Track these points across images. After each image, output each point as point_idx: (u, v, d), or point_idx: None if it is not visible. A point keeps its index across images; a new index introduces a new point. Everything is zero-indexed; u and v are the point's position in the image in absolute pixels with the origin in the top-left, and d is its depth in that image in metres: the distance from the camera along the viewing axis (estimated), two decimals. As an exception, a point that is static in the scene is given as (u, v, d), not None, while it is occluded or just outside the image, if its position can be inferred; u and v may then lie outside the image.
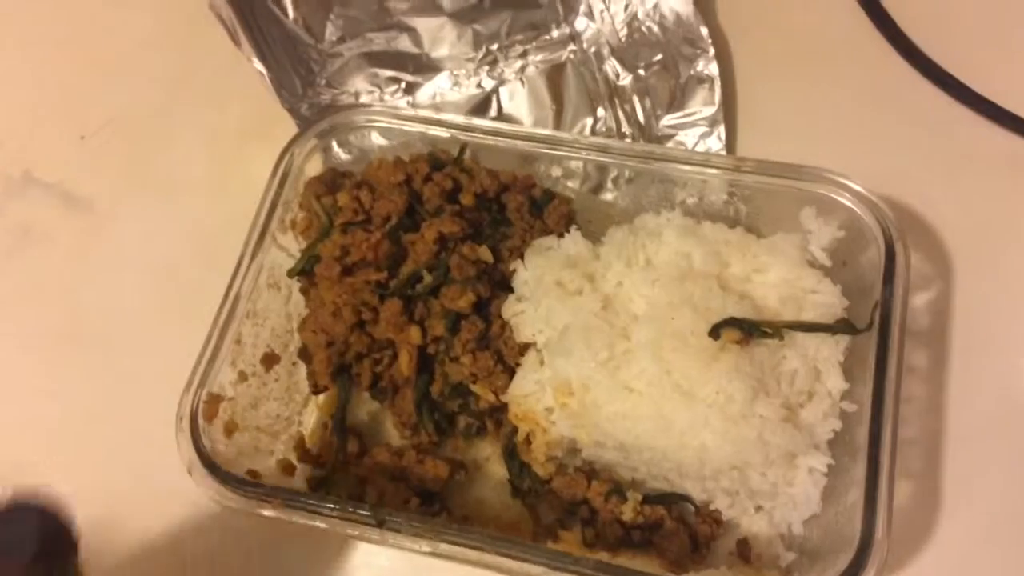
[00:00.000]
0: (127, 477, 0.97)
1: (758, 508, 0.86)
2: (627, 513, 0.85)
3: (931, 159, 1.08)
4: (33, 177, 1.21)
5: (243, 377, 0.89)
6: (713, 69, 1.09)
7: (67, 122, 1.24)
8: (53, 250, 1.15)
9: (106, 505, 0.96)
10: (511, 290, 0.92)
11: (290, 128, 1.10)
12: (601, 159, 0.95)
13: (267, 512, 0.79)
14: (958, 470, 0.92)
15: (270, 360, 0.93)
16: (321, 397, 0.97)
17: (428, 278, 0.89)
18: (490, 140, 0.95)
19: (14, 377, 1.07)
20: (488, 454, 0.95)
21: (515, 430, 0.89)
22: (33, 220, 1.18)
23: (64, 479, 0.97)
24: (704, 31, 1.10)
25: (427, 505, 0.89)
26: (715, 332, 0.81)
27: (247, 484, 0.80)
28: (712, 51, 1.09)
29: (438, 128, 0.96)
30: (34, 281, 1.13)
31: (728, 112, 1.10)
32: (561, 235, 0.93)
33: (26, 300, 1.12)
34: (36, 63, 1.30)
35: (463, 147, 0.96)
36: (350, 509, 0.78)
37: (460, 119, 0.97)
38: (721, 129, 1.08)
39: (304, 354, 0.95)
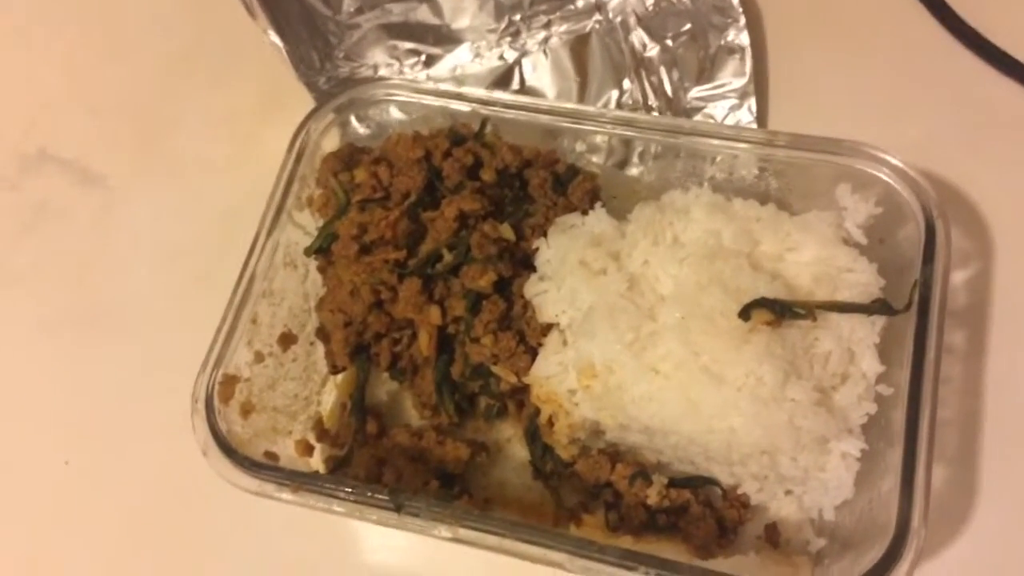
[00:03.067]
0: (143, 457, 0.96)
1: (788, 492, 0.83)
2: (652, 497, 0.83)
3: (972, 132, 1.04)
4: (48, 154, 1.20)
5: (260, 357, 0.87)
6: (744, 39, 1.06)
7: (82, 99, 1.23)
8: (69, 226, 1.15)
9: (122, 484, 0.97)
10: (534, 269, 0.89)
11: (308, 103, 1.08)
12: (627, 133, 0.92)
13: (284, 496, 0.77)
14: (995, 454, 0.89)
15: (287, 340, 0.91)
16: (340, 377, 0.95)
17: (448, 257, 0.87)
18: (512, 114, 0.92)
19: (29, 352, 1.06)
20: (510, 435, 0.93)
21: (537, 412, 0.87)
22: (49, 196, 1.17)
23: (77, 457, 0.99)
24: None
25: (447, 487, 0.87)
26: (745, 313, 0.78)
27: (263, 467, 0.79)
28: (743, 20, 1.06)
29: (458, 102, 0.93)
30: (50, 257, 1.13)
31: (759, 83, 1.06)
32: (585, 212, 0.90)
33: (42, 275, 1.11)
34: (51, 40, 1.29)
35: (484, 121, 0.93)
36: (368, 494, 0.76)
37: (481, 92, 0.94)
38: (752, 101, 1.05)
39: (322, 334, 0.93)
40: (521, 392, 0.89)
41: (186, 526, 0.94)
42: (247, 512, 0.88)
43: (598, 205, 0.90)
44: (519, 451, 0.92)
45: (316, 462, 0.91)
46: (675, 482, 0.84)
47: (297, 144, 0.92)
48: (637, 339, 0.80)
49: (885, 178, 0.83)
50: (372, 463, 0.88)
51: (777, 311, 0.78)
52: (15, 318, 1.09)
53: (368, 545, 0.92)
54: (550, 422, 0.87)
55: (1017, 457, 0.89)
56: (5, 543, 0.96)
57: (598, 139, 0.98)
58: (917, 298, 0.77)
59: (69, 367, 1.05)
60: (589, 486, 0.87)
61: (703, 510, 0.83)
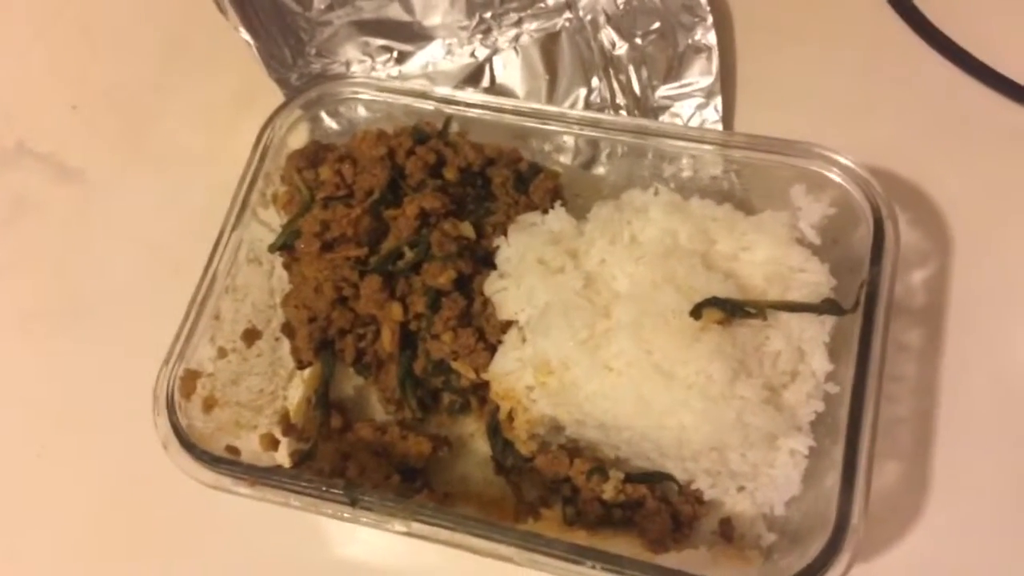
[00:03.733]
0: (114, 447, 0.98)
1: (740, 488, 0.85)
2: (608, 491, 0.84)
3: (936, 132, 1.05)
4: (26, 147, 1.21)
5: (223, 353, 0.89)
6: (711, 38, 1.06)
7: (60, 93, 1.24)
8: (45, 220, 1.16)
9: (93, 474, 0.98)
10: (495, 267, 0.90)
11: (280, 99, 1.09)
12: (591, 133, 0.93)
13: (241, 490, 0.79)
14: (948, 452, 0.90)
15: (251, 335, 0.92)
16: (307, 372, 0.96)
17: (409, 254, 0.88)
18: (476, 113, 0.93)
19: (4, 345, 1.08)
20: (472, 430, 0.94)
21: (498, 408, 0.88)
22: (26, 190, 1.18)
23: (50, 448, 1.00)
24: (703, -1, 1.07)
25: (409, 481, 0.88)
26: (697, 312, 0.79)
27: (221, 462, 0.80)
28: (711, 19, 1.07)
29: (423, 101, 0.94)
30: (27, 251, 1.14)
31: (727, 83, 1.07)
32: (546, 211, 0.91)
33: (18, 270, 1.13)
34: (29, 34, 1.30)
35: (447, 120, 0.94)
36: (323, 488, 0.78)
37: (445, 91, 0.95)
38: (718, 100, 1.06)
39: (287, 329, 0.94)
40: (483, 388, 0.90)
41: (155, 516, 0.96)
42: (216, 504, 0.89)
43: (558, 204, 0.91)
44: (481, 446, 0.93)
45: (281, 456, 0.92)
46: (632, 477, 0.85)
47: (263, 141, 0.93)
48: (591, 336, 0.82)
49: (838, 179, 0.85)
50: (336, 457, 0.89)
51: (728, 310, 0.79)
52: (-9, 311, 1.10)
53: (335, 539, 0.93)
54: (510, 417, 0.88)
55: (969, 454, 0.90)
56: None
57: (565, 139, 0.98)
58: (864, 298, 0.78)
59: (44, 359, 1.06)
60: (548, 481, 0.88)
61: (659, 505, 0.85)
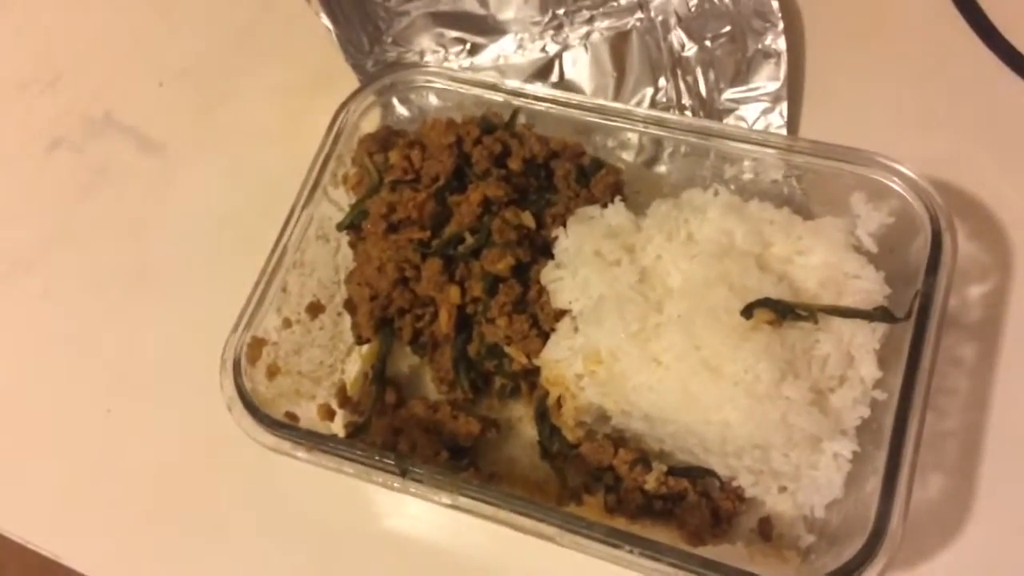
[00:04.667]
0: (180, 409, 1.02)
1: (782, 488, 0.85)
2: (650, 483, 0.86)
3: (1000, 147, 1.04)
4: (113, 119, 1.27)
5: (288, 323, 0.93)
6: (781, 44, 1.07)
7: (147, 68, 1.29)
8: (126, 189, 1.21)
9: (159, 435, 1.03)
10: (552, 256, 0.93)
11: (354, 84, 1.13)
12: (655, 132, 0.95)
13: (298, 454, 0.82)
14: (995, 469, 0.89)
15: (315, 309, 0.96)
16: (364, 348, 0.99)
17: (470, 240, 0.91)
18: (542, 107, 0.95)
19: (80, 306, 1.13)
20: (521, 415, 0.97)
21: (546, 394, 0.91)
22: (109, 160, 1.23)
23: (119, 407, 1.05)
24: (775, 4, 1.07)
25: (457, 459, 0.91)
26: (748, 311, 0.80)
27: (281, 426, 0.84)
28: (781, 25, 1.07)
29: (492, 92, 0.97)
30: (107, 218, 1.19)
31: (794, 88, 1.08)
32: (605, 205, 0.93)
33: (98, 236, 1.18)
34: (120, 9, 1.36)
35: (515, 112, 0.97)
36: (376, 457, 0.81)
37: (514, 84, 0.98)
38: (784, 106, 1.06)
39: (349, 305, 0.98)
40: (534, 374, 0.93)
41: (215, 479, 1.00)
42: (273, 471, 0.93)
43: (618, 199, 0.93)
44: (529, 431, 0.95)
45: (337, 427, 0.95)
46: (674, 471, 0.87)
47: (336, 124, 0.96)
48: (643, 330, 0.83)
49: (898, 189, 0.85)
50: (388, 431, 0.93)
51: (779, 311, 0.80)
52: (69, 273, 1.15)
53: (384, 511, 0.96)
54: (558, 404, 0.90)
55: (1016, 473, 0.89)
56: (44, 484, 1.03)
57: (629, 136, 1.00)
58: (917, 307, 0.79)
59: (117, 322, 1.11)
60: (592, 469, 0.90)
61: (699, 499, 0.86)
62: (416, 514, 0.96)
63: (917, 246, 0.85)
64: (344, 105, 0.97)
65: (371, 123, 1.00)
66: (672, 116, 0.97)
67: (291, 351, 0.93)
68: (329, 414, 0.96)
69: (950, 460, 0.90)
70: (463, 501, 0.79)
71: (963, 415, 0.92)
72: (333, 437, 0.88)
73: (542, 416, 0.92)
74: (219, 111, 1.24)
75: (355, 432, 0.94)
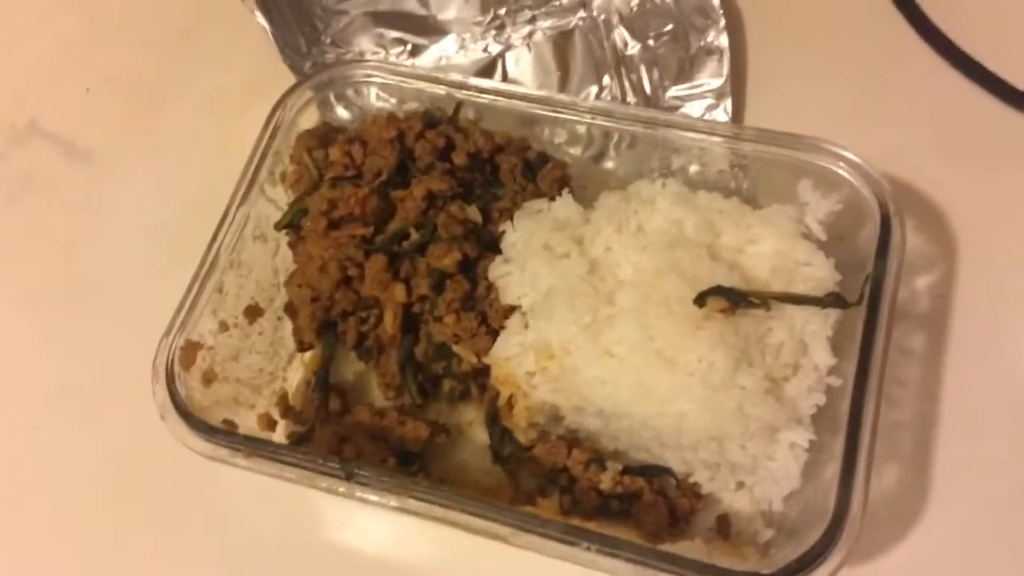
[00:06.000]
0: (112, 423, 0.98)
1: (740, 484, 0.84)
2: (606, 482, 0.84)
3: (944, 140, 1.05)
4: (38, 126, 1.22)
5: (224, 327, 0.89)
6: (723, 41, 1.07)
7: (74, 74, 1.25)
8: (53, 199, 1.16)
9: (90, 450, 0.98)
10: (500, 252, 0.90)
11: (292, 85, 1.10)
12: (601, 123, 0.93)
13: (237, 461, 0.78)
14: (949, 458, 0.89)
15: (253, 312, 0.92)
16: (308, 354, 0.96)
17: (415, 235, 0.88)
18: (486, 99, 0.94)
19: (6, 324, 1.08)
20: (471, 419, 0.94)
21: (497, 394, 0.88)
22: (35, 168, 1.18)
23: (47, 423, 1.00)
24: (716, 1, 1.07)
25: (405, 466, 0.88)
26: (700, 300, 0.79)
27: (217, 432, 0.80)
28: (723, 22, 1.07)
29: (435, 86, 0.95)
30: (32, 228, 1.14)
31: (737, 85, 1.08)
32: (553, 198, 0.91)
33: (23, 246, 1.13)
34: (46, 14, 1.31)
35: (458, 105, 0.95)
36: (319, 461, 0.77)
37: (457, 77, 0.96)
38: (728, 102, 1.06)
39: (290, 309, 0.94)
40: (484, 376, 0.90)
41: (154, 493, 0.95)
42: (213, 481, 0.90)
43: (566, 191, 0.91)
44: (480, 435, 0.92)
45: (279, 437, 0.91)
46: (630, 470, 0.85)
47: (273, 120, 0.93)
48: (594, 322, 0.81)
49: (846, 175, 0.85)
50: (333, 440, 0.89)
51: (732, 299, 0.79)
52: (-6, 287, 1.10)
53: (329, 521, 0.92)
54: (509, 405, 0.87)
55: (969, 460, 0.89)
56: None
57: (577, 130, 0.98)
58: (868, 292, 0.78)
59: (44, 335, 1.06)
60: (546, 471, 0.87)
61: (656, 498, 0.84)
62: (366, 525, 0.92)
63: (866, 233, 0.85)
64: (281, 101, 0.94)
65: (309, 120, 0.97)
66: (618, 106, 0.96)
67: (228, 356, 0.89)
68: (270, 424, 0.92)
69: (904, 451, 0.90)
70: (412, 504, 0.75)
71: (915, 405, 0.92)
72: (273, 442, 0.83)
73: (493, 418, 0.90)
74: (150, 118, 1.20)
75: (298, 442, 0.90)
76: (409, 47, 1.14)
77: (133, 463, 0.96)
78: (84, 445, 0.98)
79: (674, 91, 1.08)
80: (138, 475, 0.96)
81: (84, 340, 1.05)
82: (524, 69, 1.12)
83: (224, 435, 0.80)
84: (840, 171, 0.85)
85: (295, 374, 0.97)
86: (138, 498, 0.95)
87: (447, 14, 1.13)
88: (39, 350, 1.06)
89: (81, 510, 0.95)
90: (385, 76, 0.96)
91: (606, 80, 1.10)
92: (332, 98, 1.00)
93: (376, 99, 1.01)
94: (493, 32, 1.13)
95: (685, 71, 1.08)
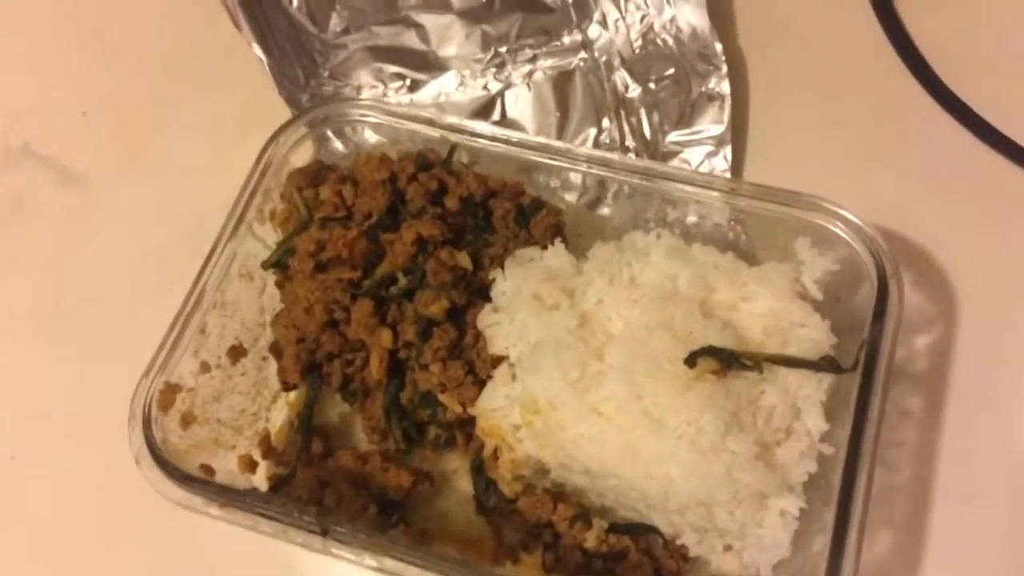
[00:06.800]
0: (91, 457, 0.95)
1: (727, 547, 0.82)
2: (591, 541, 0.82)
3: (946, 195, 1.04)
4: (32, 149, 1.20)
5: (206, 368, 0.87)
6: (725, 87, 1.06)
7: (70, 98, 1.24)
8: (44, 223, 1.15)
9: (68, 483, 0.96)
10: (489, 299, 0.88)
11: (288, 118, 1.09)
12: (598, 172, 0.92)
13: (211, 511, 0.76)
14: (945, 524, 0.87)
15: (237, 352, 0.90)
16: (292, 394, 0.94)
17: (403, 281, 0.87)
18: (481, 144, 0.92)
19: (-8, 346, 1.06)
20: (456, 467, 0.92)
21: (483, 445, 0.86)
22: (27, 192, 1.17)
23: (24, 452, 0.98)
24: (719, 47, 1.06)
25: (386, 515, 0.86)
26: (691, 360, 0.77)
27: (193, 480, 0.78)
28: (725, 69, 1.06)
29: (429, 128, 0.93)
30: (21, 252, 1.13)
31: (737, 132, 1.06)
32: (545, 247, 0.89)
33: (10, 270, 1.11)
34: (43, 38, 1.30)
35: (452, 148, 0.93)
36: (295, 515, 0.75)
37: (452, 120, 0.94)
38: (728, 149, 1.05)
39: (275, 349, 0.93)
40: (470, 423, 0.88)
41: (126, 532, 0.93)
42: (188, 525, 0.87)
43: (558, 241, 0.89)
44: (464, 484, 0.91)
45: (259, 479, 0.89)
46: (616, 527, 0.83)
47: (265, 157, 0.92)
48: (582, 378, 0.79)
49: (843, 235, 0.83)
50: (315, 484, 0.87)
51: (724, 360, 0.77)
52: (-20, 311, 1.09)
53: (307, 573, 0.90)
54: (495, 456, 0.85)
55: (966, 526, 0.87)
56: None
57: (573, 177, 0.97)
58: (863, 358, 0.76)
59: (26, 361, 1.05)
60: (530, 525, 0.85)
61: (641, 558, 0.82)
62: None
63: (863, 294, 0.83)
64: (274, 137, 0.93)
65: (302, 157, 0.96)
66: (615, 156, 0.94)
67: (209, 398, 0.87)
68: (251, 466, 0.90)
69: (899, 515, 0.88)
70: (389, 563, 0.74)
71: (912, 468, 0.90)
72: (251, 491, 0.82)
73: (478, 469, 0.88)
74: (145, 143, 1.19)
75: (278, 485, 0.88)
76: (408, 82, 1.12)
77: (109, 499, 0.94)
78: (60, 478, 0.97)
79: (674, 136, 1.06)
80: (113, 512, 0.94)
81: (67, 368, 1.03)
82: (523, 108, 1.11)
83: (199, 484, 0.78)
84: (838, 230, 0.84)
85: (278, 415, 0.95)
86: (112, 536, 0.93)
87: (447, 50, 1.12)
88: (20, 376, 1.04)
89: (53, 545, 0.94)
90: (380, 116, 0.94)
91: (605, 123, 1.08)
92: (328, 132, 0.99)
93: (371, 135, 0.99)
94: (493, 70, 1.12)
95: (685, 116, 1.06)
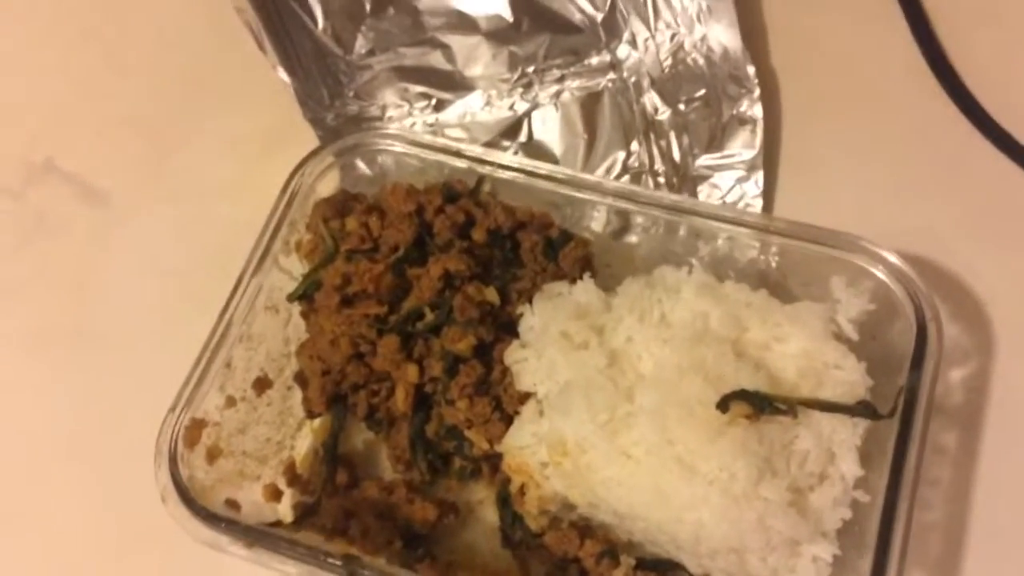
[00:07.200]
0: (110, 485, 0.95)
1: (757, 588, 0.81)
2: (618, 578, 0.81)
3: (983, 223, 1.01)
4: (54, 165, 1.20)
5: (231, 402, 0.86)
6: (757, 111, 1.03)
7: (92, 113, 1.23)
8: (66, 241, 1.14)
9: (90, 506, 0.96)
10: (517, 334, 0.87)
11: (314, 139, 1.08)
12: (625, 206, 0.90)
13: (237, 551, 0.76)
14: (979, 565, 0.86)
15: (262, 384, 0.90)
16: (317, 421, 0.93)
17: (430, 316, 0.86)
18: (509, 175, 0.91)
19: (8, 370, 1.06)
20: (482, 497, 0.91)
21: (509, 479, 0.85)
22: (49, 208, 1.16)
23: (43, 476, 0.98)
24: (751, 70, 1.04)
25: (411, 548, 0.85)
26: (724, 404, 0.75)
27: (219, 520, 0.77)
28: (758, 92, 1.04)
29: (456, 159, 0.92)
30: (44, 271, 1.12)
31: (769, 157, 1.04)
32: (574, 281, 0.88)
33: (32, 289, 1.11)
34: (65, 52, 1.29)
35: (480, 180, 0.92)
36: (322, 557, 0.75)
37: (479, 150, 0.93)
38: (760, 175, 1.03)
39: (300, 379, 0.92)
40: (496, 457, 0.87)
41: (147, 559, 0.93)
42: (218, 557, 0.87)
43: (587, 276, 0.88)
44: (490, 515, 0.90)
45: (284, 508, 0.89)
46: (644, 563, 0.82)
47: (291, 187, 0.91)
48: (612, 420, 0.78)
49: (880, 275, 0.81)
50: (340, 514, 0.86)
51: (757, 404, 0.76)
52: (2, 330, 1.08)
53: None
54: (521, 492, 0.85)
55: (1000, 567, 0.86)
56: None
57: (600, 209, 0.96)
58: (902, 404, 0.75)
59: (47, 383, 1.04)
60: (557, 559, 0.84)
61: (669, 598, 0.81)
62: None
63: (899, 332, 0.82)
64: (299, 167, 0.92)
65: (328, 185, 0.95)
66: (644, 191, 0.93)
67: (235, 431, 0.87)
68: (276, 495, 0.90)
69: (933, 555, 0.86)
70: (417, 607, 0.73)
71: (946, 507, 0.88)
72: (276, 530, 0.81)
73: (504, 502, 0.87)
74: (169, 161, 1.18)
75: (304, 515, 0.88)
76: (434, 102, 1.11)
77: (129, 526, 0.94)
78: (81, 502, 0.96)
79: (704, 160, 1.04)
80: (136, 538, 0.93)
81: (88, 388, 1.03)
82: (551, 129, 1.09)
83: (226, 523, 0.77)
84: (874, 270, 0.82)
85: (303, 442, 0.94)
86: (134, 564, 0.93)
87: (474, 70, 1.11)
88: (41, 397, 1.04)
89: (74, 572, 0.94)
90: (406, 146, 0.93)
91: (634, 146, 1.06)
92: (356, 160, 0.97)
93: (397, 160, 0.98)
94: (520, 90, 1.10)
95: (716, 140, 1.05)
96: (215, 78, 1.22)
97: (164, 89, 1.23)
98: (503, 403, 0.85)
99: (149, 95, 1.23)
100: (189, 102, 1.21)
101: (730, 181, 1.03)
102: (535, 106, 1.10)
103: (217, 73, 1.22)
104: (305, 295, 0.89)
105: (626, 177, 1.05)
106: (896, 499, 0.71)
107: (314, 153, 0.93)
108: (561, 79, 1.10)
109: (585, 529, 0.85)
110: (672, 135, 1.06)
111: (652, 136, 1.07)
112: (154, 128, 1.20)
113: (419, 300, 0.86)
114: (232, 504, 0.83)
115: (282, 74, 1.05)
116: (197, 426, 0.82)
